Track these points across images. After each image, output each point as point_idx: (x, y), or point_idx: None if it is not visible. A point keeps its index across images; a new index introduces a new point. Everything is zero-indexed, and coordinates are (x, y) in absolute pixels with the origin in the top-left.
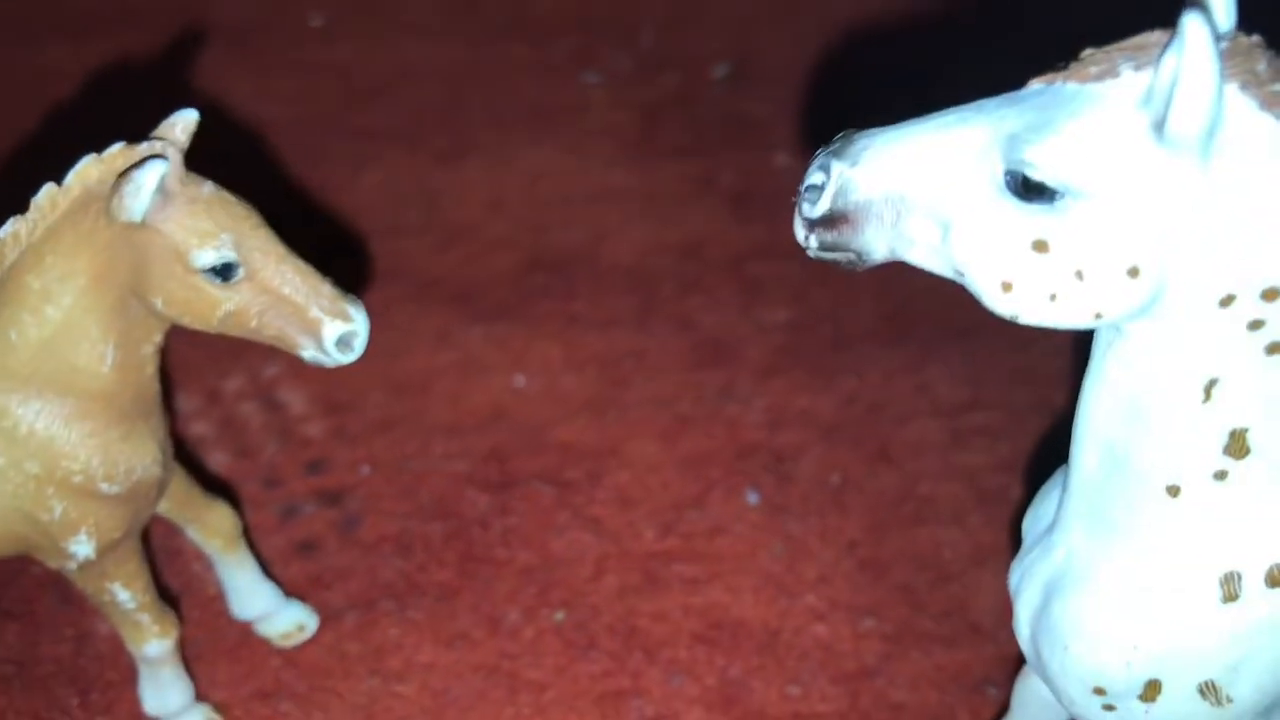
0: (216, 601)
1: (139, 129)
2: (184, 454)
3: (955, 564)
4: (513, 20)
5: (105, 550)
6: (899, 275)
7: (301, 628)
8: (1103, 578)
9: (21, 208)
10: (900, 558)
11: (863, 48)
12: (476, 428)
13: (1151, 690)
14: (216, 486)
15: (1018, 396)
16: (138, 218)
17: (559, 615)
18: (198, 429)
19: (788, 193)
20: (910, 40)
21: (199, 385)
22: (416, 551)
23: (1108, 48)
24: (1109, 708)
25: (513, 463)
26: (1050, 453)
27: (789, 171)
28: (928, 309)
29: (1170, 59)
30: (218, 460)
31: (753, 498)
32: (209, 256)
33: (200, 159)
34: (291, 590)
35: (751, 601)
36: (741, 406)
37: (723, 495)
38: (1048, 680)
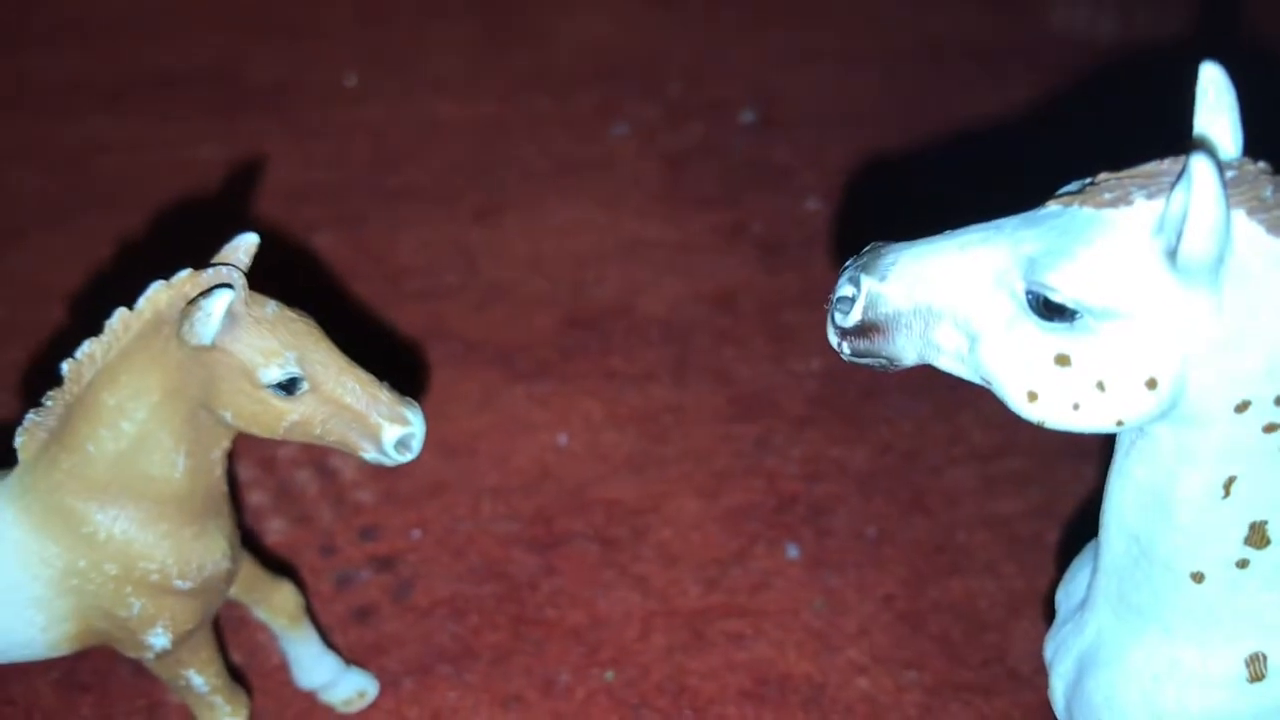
0: (281, 670)
1: (187, 209)
2: (244, 524)
3: (992, 613)
4: (539, 74)
5: (180, 641)
6: None
7: (363, 694)
8: (1133, 657)
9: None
10: (938, 608)
11: (888, 89)
12: (522, 488)
13: None
14: (277, 556)
15: (1048, 440)
16: (208, 342)
17: (609, 675)
18: (255, 498)
19: (818, 239)
20: (935, 76)
21: (255, 454)
22: (469, 615)
23: (1120, 174)
24: None
25: (558, 522)
26: (1083, 498)
27: (818, 217)
28: None
29: (1179, 194)
30: (276, 528)
31: (793, 551)
32: (275, 374)
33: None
34: (351, 657)
35: (795, 656)
36: (779, 459)
37: (764, 550)
38: None
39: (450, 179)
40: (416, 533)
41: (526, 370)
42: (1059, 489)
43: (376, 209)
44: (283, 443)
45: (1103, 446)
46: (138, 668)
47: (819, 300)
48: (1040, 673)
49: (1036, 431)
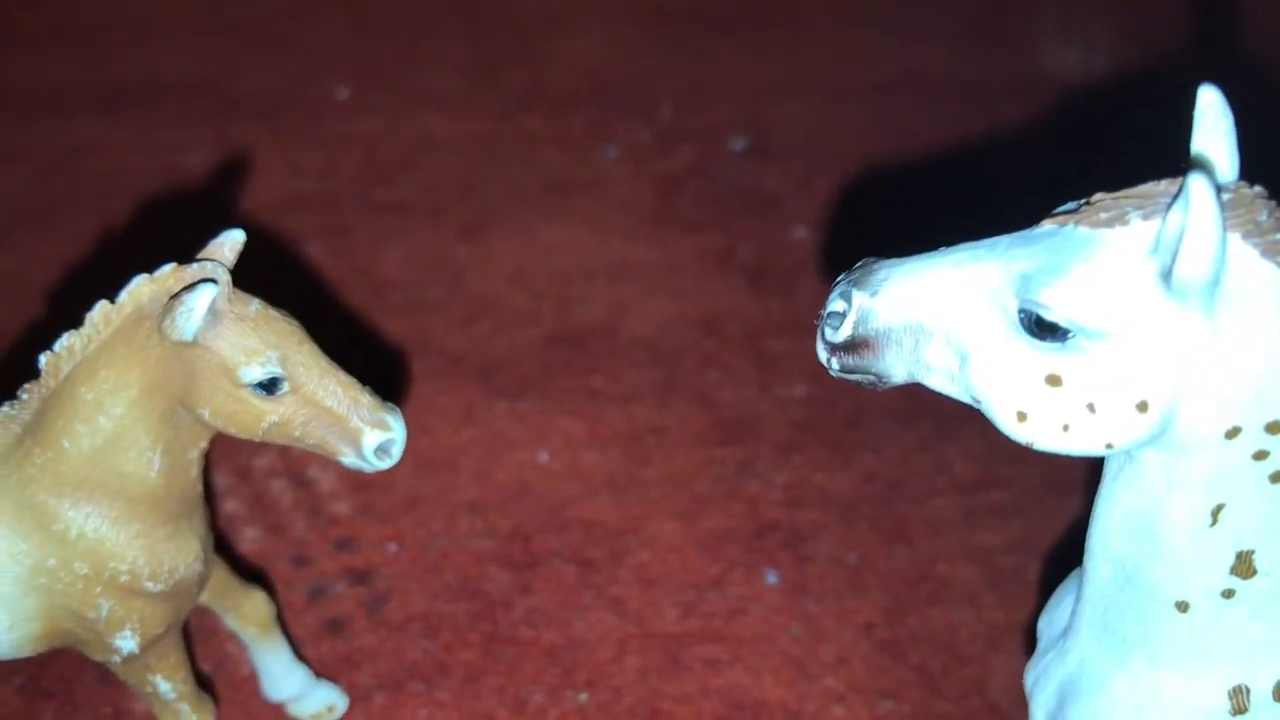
0: (249, 682)
1: (174, 214)
2: (217, 532)
3: (971, 645)
4: (533, 94)
5: (149, 645)
6: None
7: (332, 709)
8: (1116, 685)
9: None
10: (917, 639)
11: (877, 121)
12: (501, 505)
13: None
14: (248, 565)
15: (1032, 474)
16: (189, 337)
17: (583, 696)
18: (230, 506)
19: (805, 267)
20: (924, 109)
21: (231, 462)
22: (443, 631)
23: (1117, 194)
24: None
25: (536, 541)
26: (1063, 533)
27: (806, 245)
28: None
29: (1176, 214)
30: (249, 537)
31: (772, 578)
32: (255, 373)
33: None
34: (321, 670)
35: (771, 683)
36: (761, 484)
37: (742, 575)
38: None
39: (439, 194)
40: (392, 546)
41: (509, 387)
42: (1040, 523)
43: (364, 222)
44: (259, 452)
45: (1086, 481)
46: (103, 674)
47: (805, 327)
48: (1018, 706)
49: (1019, 466)
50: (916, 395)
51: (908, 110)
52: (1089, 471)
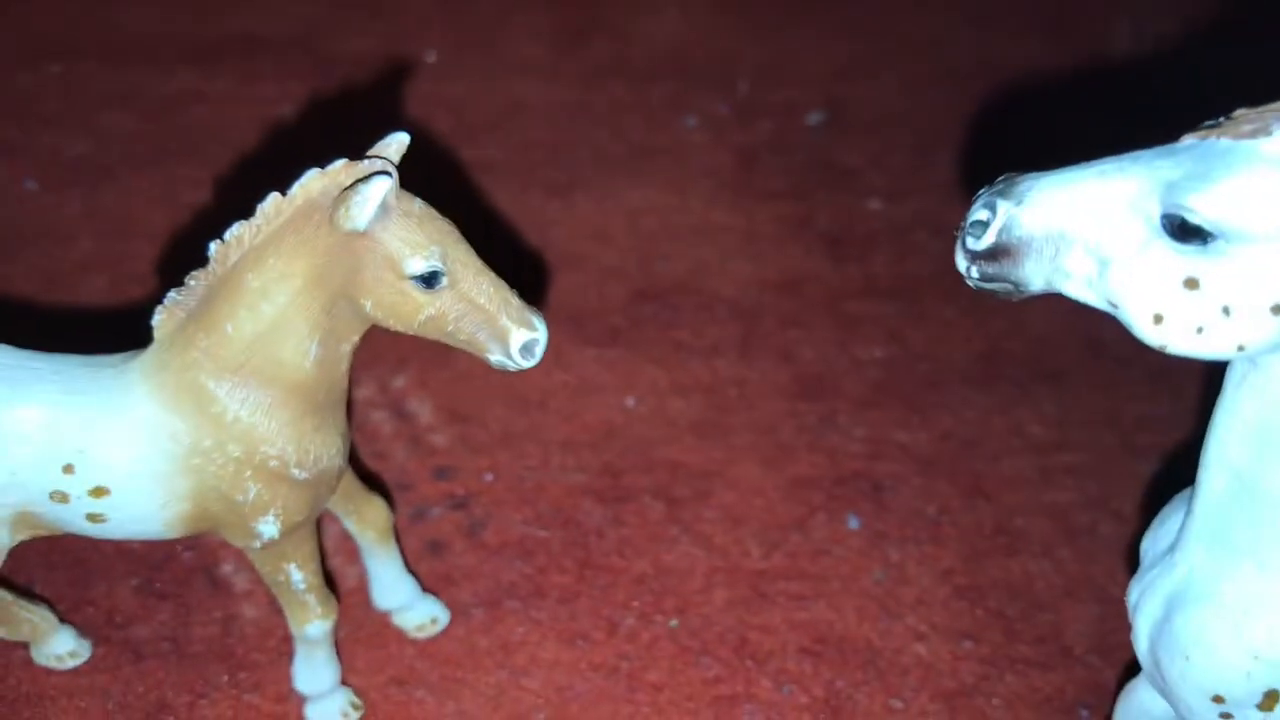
0: (354, 594)
1: (272, 163)
2: None
3: (1047, 594)
4: (614, 65)
5: (288, 531)
6: (991, 318)
7: (435, 621)
8: (1224, 592)
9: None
10: (995, 586)
11: (950, 106)
12: (591, 443)
13: (1270, 700)
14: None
15: (1104, 438)
16: (362, 227)
17: (673, 622)
18: None
19: (882, 236)
20: (996, 97)
21: None
22: (538, 556)
23: (1260, 108)
24: (1226, 716)
25: (625, 478)
26: (1136, 494)
27: (881, 216)
28: (1018, 353)
29: None
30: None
31: (853, 523)
32: (419, 265)
33: None
34: (424, 587)
35: (855, 620)
36: (841, 436)
37: (825, 519)
38: (1166, 689)
39: (525, 156)
40: (489, 476)
41: (596, 335)
42: (1114, 483)
43: (453, 178)
44: (359, 384)
45: (1157, 447)
46: (213, 579)
47: (882, 293)
48: (1095, 652)
49: (1092, 430)
50: (992, 359)
51: (981, 96)
52: (1161, 435)
